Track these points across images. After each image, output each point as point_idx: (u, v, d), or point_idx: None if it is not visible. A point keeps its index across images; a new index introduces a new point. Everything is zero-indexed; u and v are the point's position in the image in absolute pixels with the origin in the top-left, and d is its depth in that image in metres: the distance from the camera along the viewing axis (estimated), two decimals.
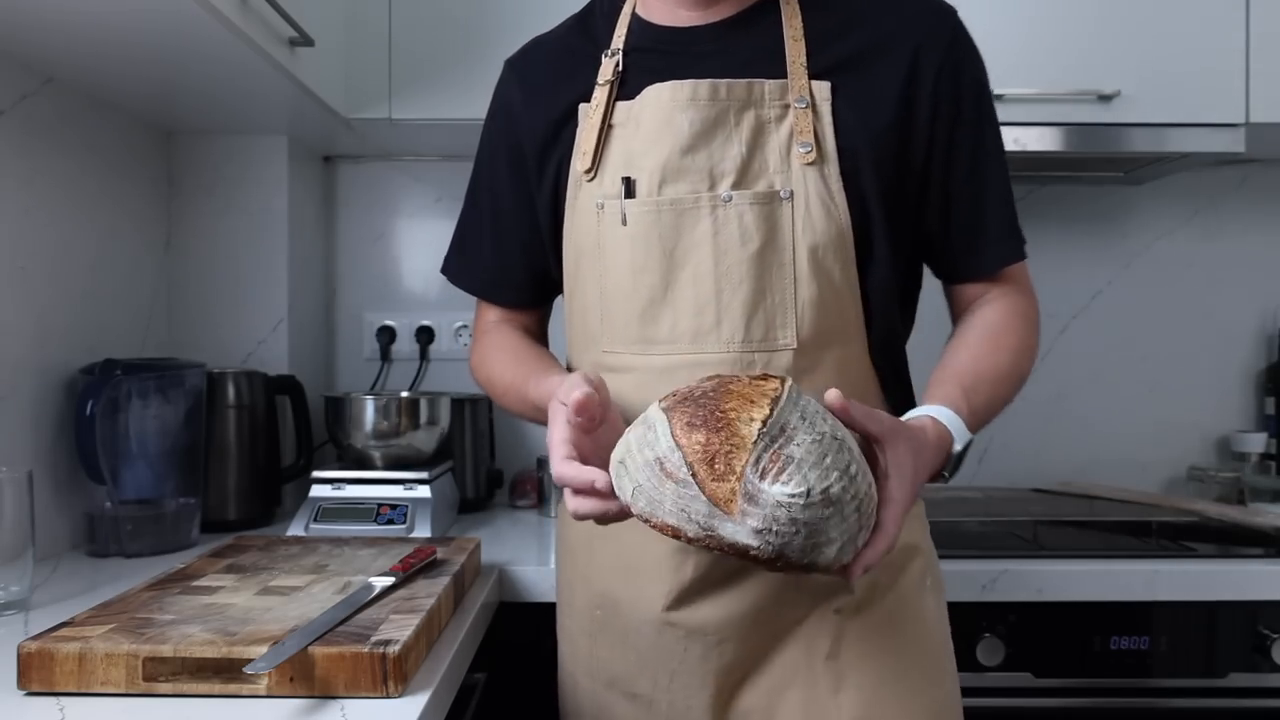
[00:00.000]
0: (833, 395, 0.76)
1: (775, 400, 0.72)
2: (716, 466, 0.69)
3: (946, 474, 0.88)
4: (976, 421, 0.91)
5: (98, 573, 1.24)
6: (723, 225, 0.94)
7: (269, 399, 1.62)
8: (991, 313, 1.00)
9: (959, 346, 0.99)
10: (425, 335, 1.95)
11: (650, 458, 0.72)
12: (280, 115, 1.61)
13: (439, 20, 1.63)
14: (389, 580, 1.00)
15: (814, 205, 0.93)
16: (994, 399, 0.94)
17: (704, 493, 0.69)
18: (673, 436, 0.71)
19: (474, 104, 1.62)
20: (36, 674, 0.79)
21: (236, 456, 1.57)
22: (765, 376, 0.76)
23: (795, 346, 0.93)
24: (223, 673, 0.79)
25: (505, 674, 1.29)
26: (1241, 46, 1.61)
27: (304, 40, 1.33)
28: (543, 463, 1.72)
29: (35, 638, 0.81)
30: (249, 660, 0.77)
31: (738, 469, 0.68)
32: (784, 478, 0.68)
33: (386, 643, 0.81)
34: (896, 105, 0.95)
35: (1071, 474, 1.94)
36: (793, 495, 0.67)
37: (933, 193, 0.99)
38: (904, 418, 0.87)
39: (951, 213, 1.00)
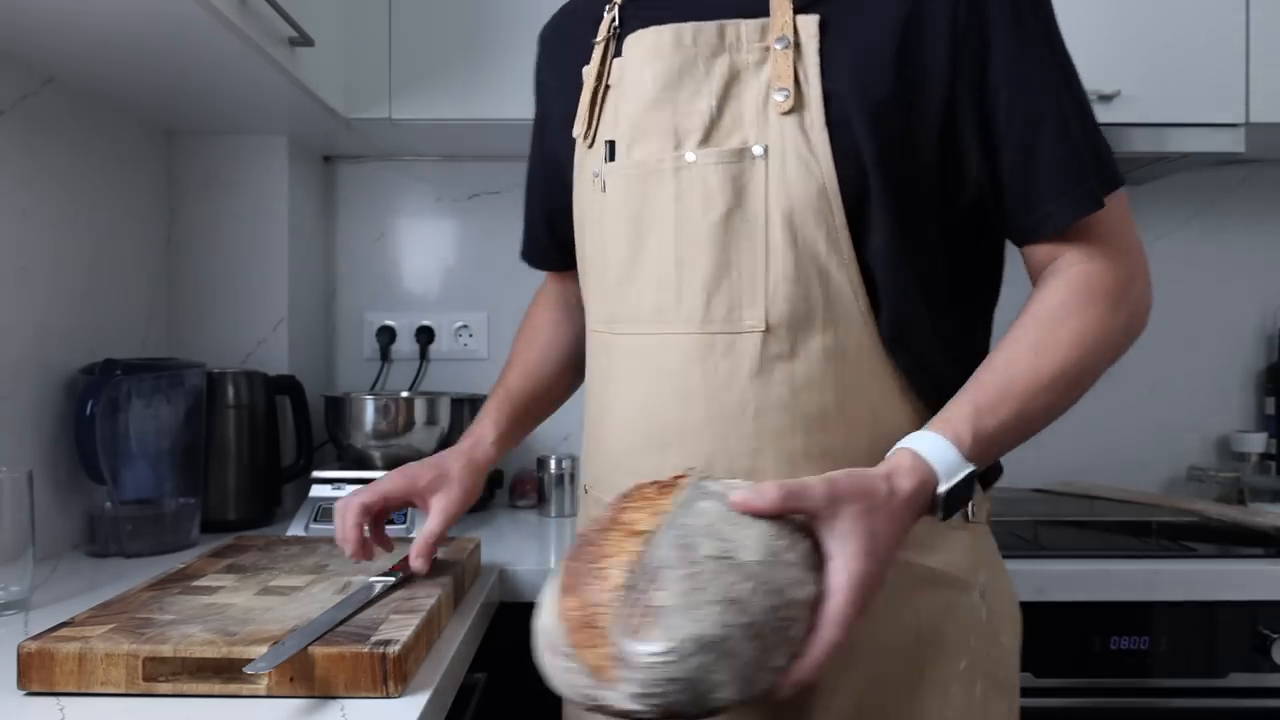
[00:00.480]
0: (736, 498, 0.66)
1: (654, 531, 0.65)
2: (588, 631, 0.63)
3: (940, 514, 0.75)
4: (988, 448, 0.78)
5: (98, 573, 1.24)
6: (686, 189, 0.84)
7: (269, 399, 1.62)
8: (1052, 293, 0.83)
9: (1003, 343, 0.83)
10: (425, 335, 1.95)
11: (544, 625, 0.67)
12: (280, 115, 1.61)
13: (439, 20, 1.63)
14: (389, 580, 0.99)
15: (790, 162, 0.81)
16: (1027, 414, 0.80)
17: (583, 663, 0.63)
18: (556, 604, 0.66)
19: (474, 104, 1.63)
20: (36, 674, 0.79)
21: (236, 456, 1.57)
22: (677, 479, 0.70)
23: (764, 329, 0.82)
24: (223, 673, 0.79)
25: (505, 674, 1.29)
26: (1241, 46, 1.61)
27: (304, 40, 1.33)
28: (543, 463, 1.72)
29: (35, 638, 0.81)
30: (249, 660, 0.77)
31: (605, 631, 0.62)
32: (645, 635, 0.60)
33: (386, 643, 0.81)
34: (898, 38, 0.80)
35: (1071, 474, 1.94)
36: (656, 654, 0.60)
37: (965, 141, 0.82)
38: (897, 447, 0.76)
39: (1000, 164, 0.83)
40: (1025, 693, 1.31)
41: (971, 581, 0.87)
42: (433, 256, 1.98)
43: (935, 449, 0.75)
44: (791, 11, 0.82)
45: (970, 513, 0.87)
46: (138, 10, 1.11)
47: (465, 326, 1.96)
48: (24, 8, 1.10)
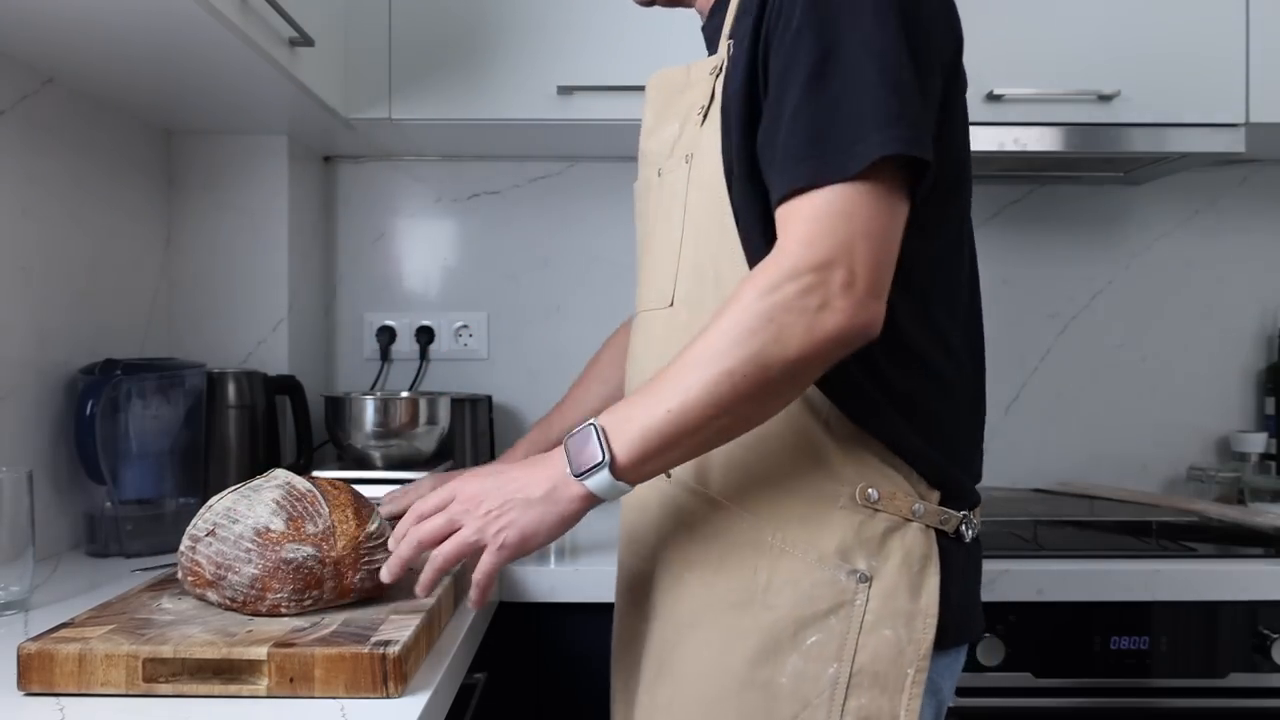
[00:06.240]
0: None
1: None
2: None
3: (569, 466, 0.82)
4: (625, 423, 0.81)
5: (98, 573, 1.24)
6: (657, 199, 0.99)
7: (269, 399, 1.62)
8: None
9: None
10: (425, 335, 1.95)
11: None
12: (280, 115, 1.61)
13: (439, 20, 1.63)
14: None
15: (702, 162, 0.91)
16: (664, 396, 0.80)
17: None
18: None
19: (474, 104, 1.63)
20: (36, 675, 0.79)
21: (236, 456, 1.56)
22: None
23: (667, 306, 0.94)
24: (222, 673, 0.79)
25: (505, 674, 1.29)
26: (1241, 46, 1.61)
27: (304, 40, 1.33)
28: None
29: (35, 639, 0.81)
30: (249, 661, 0.78)
31: None
32: None
33: (387, 643, 0.81)
34: (750, 42, 0.87)
35: (1071, 474, 1.94)
36: None
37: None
38: None
39: (763, 153, 0.86)
40: (1025, 692, 1.32)
41: (839, 563, 0.86)
42: (433, 256, 1.97)
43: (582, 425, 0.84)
44: (727, 39, 0.92)
45: (865, 496, 0.86)
46: (138, 10, 1.11)
47: (465, 326, 1.96)
48: (24, 8, 1.10)
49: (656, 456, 0.81)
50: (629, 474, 0.82)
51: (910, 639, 0.85)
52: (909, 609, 0.86)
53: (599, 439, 0.81)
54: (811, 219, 0.78)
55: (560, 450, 0.84)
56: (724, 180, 0.88)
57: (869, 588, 0.85)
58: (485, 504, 0.85)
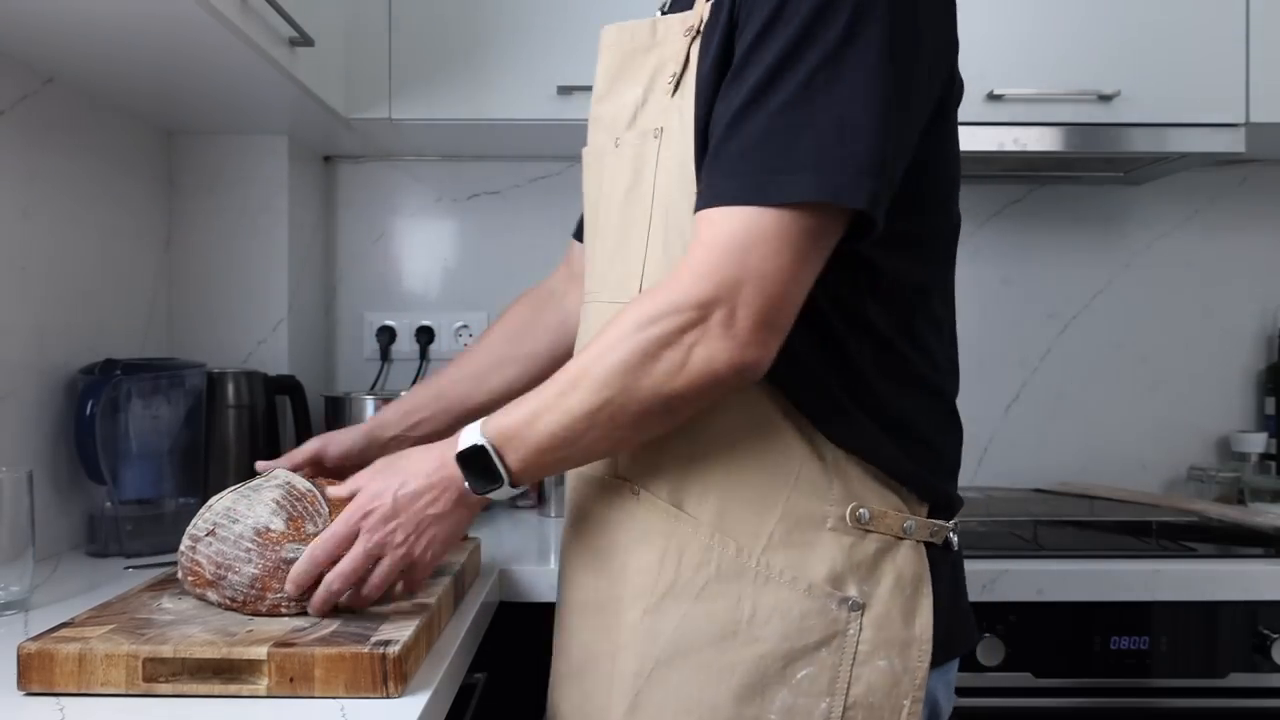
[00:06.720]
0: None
1: None
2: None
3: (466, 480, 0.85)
4: (511, 439, 0.82)
5: (97, 573, 1.24)
6: (611, 172, 0.91)
7: (269, 399, 1.62)
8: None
9: None
10: (425, 335, 1.95)
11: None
12: (280, 115, 1.61)
13: (439, 20, 1.63)
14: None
15: (673, 139, 0.84)
16: (546, 415, 0.81)
17: None
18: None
19: (474, 104, 1.63)
20: (36, 674, 0.79)
21: (236, 456, 1.56)
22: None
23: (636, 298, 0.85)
24: (223, 673, 0.79)
25: (505, 674, 1.29)
26: (1241, 46, 1.61)
27: (304, 40, 1.33)
28: None
29: (35, 638, 0.81)
30: (249, 661, 0.78)
31: None
32: None
33: (387, 643, 0.81)
34: (728, 11, 0.80)
35: (1071, 474, 1.94)
36: None
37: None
38: None
39: (710, 138, 0.81)
40: (1025, 692, 1.32)
41: (830, 591, 0.82)
42: (433, 256, 1.98)
43: (470, 429, 0.84)
44: (704, 1, 0.85)
45: (855, 517, 0.83)
46: (138, 10, 1.11)
47: (465, 326, 1.96)
48: (24, 8, 1.10)
49: (548, 466, 0.85)
50: (523, 479, 0.85)
51: (906, 669, 0.82)
52: (904, 637, 0.82)
53: (495, 460, 0.83)
54: (713, 245, 0.76)
55: (453, 464, 0.85)
56: (693, 160, 0.82)
57: (861, 616, 0.81)
58: (400, 530, 0.87)
